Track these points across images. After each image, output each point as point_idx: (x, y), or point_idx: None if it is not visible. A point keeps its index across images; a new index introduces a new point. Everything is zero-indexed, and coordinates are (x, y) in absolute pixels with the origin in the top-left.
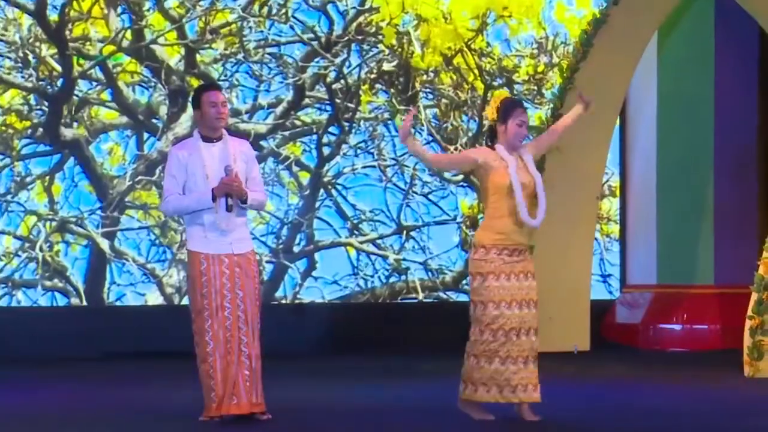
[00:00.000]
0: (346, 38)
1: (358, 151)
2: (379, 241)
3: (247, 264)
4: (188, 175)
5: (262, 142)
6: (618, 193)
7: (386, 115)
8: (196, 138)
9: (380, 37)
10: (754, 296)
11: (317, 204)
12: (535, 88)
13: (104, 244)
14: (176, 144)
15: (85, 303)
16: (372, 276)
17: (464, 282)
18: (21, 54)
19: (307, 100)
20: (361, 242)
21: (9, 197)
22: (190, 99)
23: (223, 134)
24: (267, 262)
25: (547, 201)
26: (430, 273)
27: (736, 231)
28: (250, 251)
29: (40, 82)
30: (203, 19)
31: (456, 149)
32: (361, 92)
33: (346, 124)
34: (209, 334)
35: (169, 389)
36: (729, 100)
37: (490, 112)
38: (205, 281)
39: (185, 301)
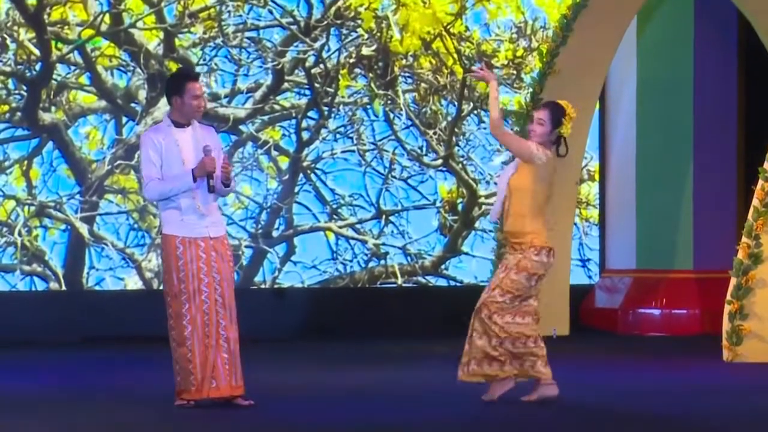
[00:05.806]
0: (325, 23)
1: (338, 136)
2: (358, 226)
3: (222, 248)
4: (163, 160)
5: (241, 127)
6: (597, 177)
7: (365, 100)
8: (167, 123)
9: (359, 21)
10: (733, 281)
11: (296, 188)
12: (515, 72)
13: (83, 229)
14: (148, 129)
15: (64, 288)
16: (351, 261)
17: (443, 266)
18: None
19: (286, 85)
20: (341, 227)
21: None
22: (166, 84)
23: (191, 120)
24: (246, 246)
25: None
26: (409, 258)
27: (715, 215)
28: (224, 235)
29: (19, 66)
30: (182, 3)
31: (435, 134)
32: (340, 77)
33: (325, 108)
34: (186, 317)
35: (149, 373)
36: (708, 84)
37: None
38: (182, 265)
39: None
